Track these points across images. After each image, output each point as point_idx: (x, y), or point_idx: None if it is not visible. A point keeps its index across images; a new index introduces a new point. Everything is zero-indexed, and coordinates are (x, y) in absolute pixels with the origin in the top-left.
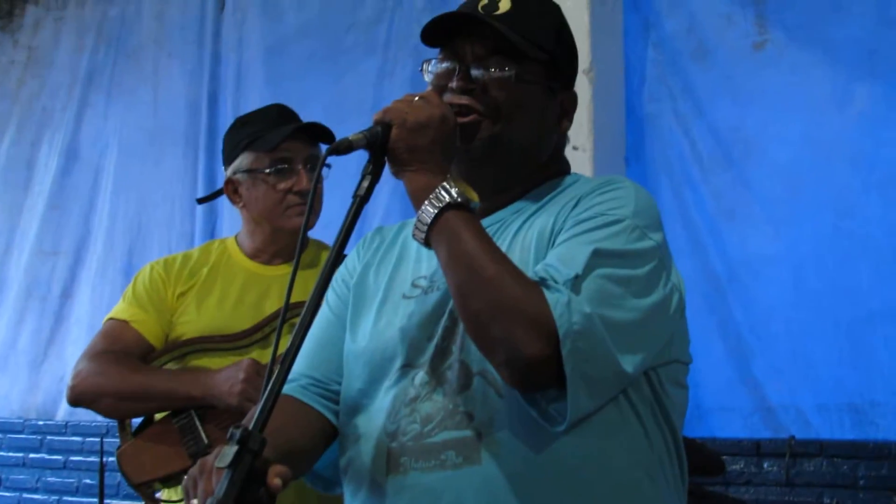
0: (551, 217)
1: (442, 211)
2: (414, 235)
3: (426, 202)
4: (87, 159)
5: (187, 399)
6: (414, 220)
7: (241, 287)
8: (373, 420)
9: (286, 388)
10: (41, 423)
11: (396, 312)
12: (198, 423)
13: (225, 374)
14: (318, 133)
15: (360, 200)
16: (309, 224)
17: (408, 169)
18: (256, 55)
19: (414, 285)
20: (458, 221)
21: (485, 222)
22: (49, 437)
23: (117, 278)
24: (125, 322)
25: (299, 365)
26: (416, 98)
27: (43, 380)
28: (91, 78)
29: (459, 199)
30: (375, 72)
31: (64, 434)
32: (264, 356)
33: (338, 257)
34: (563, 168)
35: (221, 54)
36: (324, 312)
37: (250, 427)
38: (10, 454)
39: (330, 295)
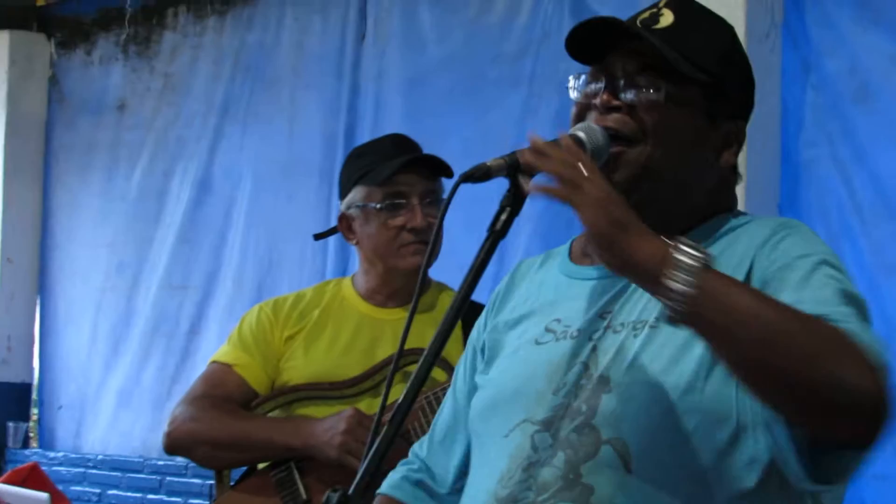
0: (730, 271)
1: (696, 280)
2: (669, 318)
3: (668, 278)
4: (220, 191)
5: (286, 449)
6: (562, 250)
7: (353, 331)
8: (484, 480)
9: (391, 482)
10: (161, 463)
11: (526, 359)
12: (297, 476)
13: (326, 424)
14: (437, 166)
15: (496, 236)
16: (429, 263)
17: (620, 245)
18: (396, 87)
19: (547, 330)
20: (717, 282)
21: None
22: (169, 478)
23: None
24: (228, 366)
25: (423, 447)
26: (554, 158)
27: (166, 418)
28: (227, 107)
29: (703, 255)
30: (519, 107)
31: (184, 476)
32: (374, 406)
33: (465, 300)
34: (729, 205)
35: (360, 86)
36: (451, 395)
37: (350, 491)
38: (129, 494)
39: (459, 376)
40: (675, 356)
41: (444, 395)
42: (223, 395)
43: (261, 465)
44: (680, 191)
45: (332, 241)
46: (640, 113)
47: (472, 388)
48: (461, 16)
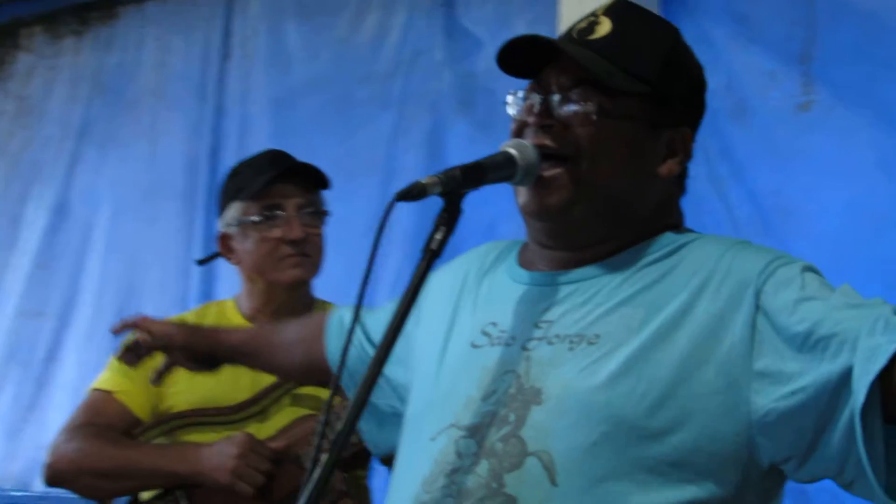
0: (677, 288)
1: None
2: None
3: None
4: (78, 216)
5: (174, 476)
6: (520, 244)
7: None
8: (407, 483)
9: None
10: (17, 493)
11: (459, 362)
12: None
13: (216, 448)
14: (314, 178)
15: (432, 255)
16: (306, 276)
17: None
18: (262, 108)
19: (483, 333)
20: None
21: (571, 276)
22: None
23: (105, 342)
24: (109, 393)
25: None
26: None
27: (22, 448)
28: (84, 130)
29: None
30: (390, 128)
31: None
32: (261, 430)
33: (403, 318)
34: (674, 220)
35: (225, 107)
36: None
37: None
38: None
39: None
40: (611, 375)
41: (336, 417)
42: (105, 423)
43: (146, 495)
44: (619, 207)
45: (195, 266)
46: (574, 129)
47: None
48: (329, 35)
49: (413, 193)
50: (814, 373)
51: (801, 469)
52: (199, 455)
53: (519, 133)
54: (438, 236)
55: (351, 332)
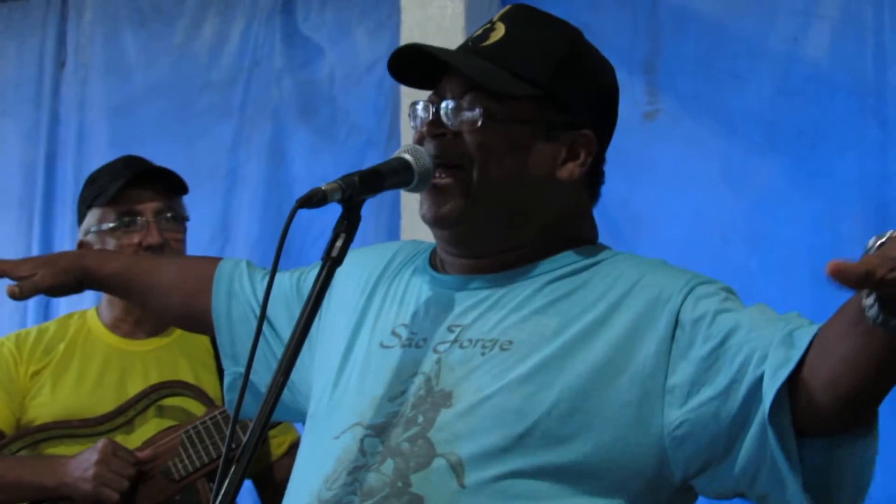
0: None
1: None
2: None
3: None
4: None
5: (39, 489)
6: (434, 246)
7: (102, 365)
8: (308, 480)
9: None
10: None
11: (368, 362)
12: None
13: (79, 458)
14: (172, 183)
15: (333, 262)
16: None
17: None
18: (100, 116)
19: (394, 333)
20: None
21: (485, 282)
22: None
23: None
24: None
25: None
26: None
27: None
28: None
29: None
30: (231, 136)
31: None
32: (127, 442)
33: (307, 327)
34: (588, 234)
35: (61, 114)
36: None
37: None
38: None
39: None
40: (523, 381)
41: (203, 428)
42: None
43: None
44: (516, 214)
45: None
46: (464, 136)
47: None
48: (167, 43)
49: (313, 200)
50: (727, 382)
51: (714, 483)
52: (65, 467)
53: (420, 143)
54: (339, 243)
55: (259, 328)
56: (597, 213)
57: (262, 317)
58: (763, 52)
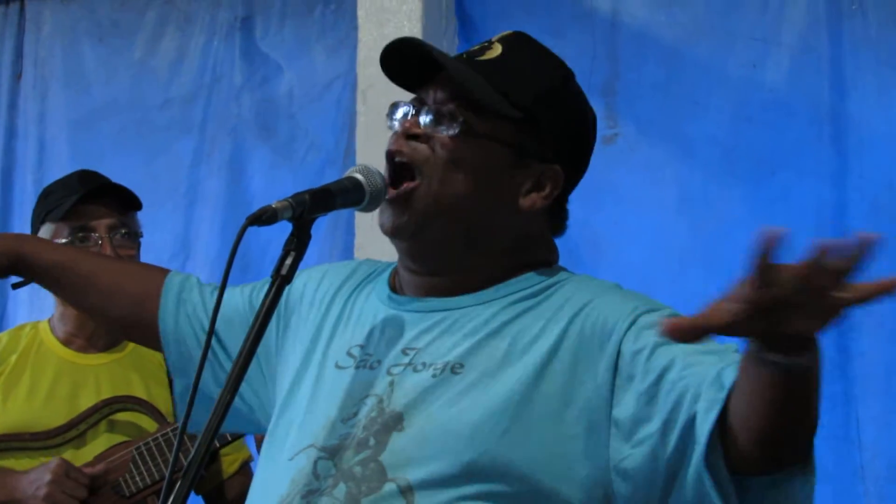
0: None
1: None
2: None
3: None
4: None
5: None
6: (393, 267)
7: (54, 378)
8: (264, 502)
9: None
10: None
11: (322, 383)
12: None
13: (31, 476)
14: (125, 199)
15: (282, 280)
16: None
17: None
18: (60, 130)
19: (349, 354)
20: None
21: (441, 304)
22: None
23: None
24: None
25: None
26: None
27: None
28: None
29: None
30: (191, 152)
31: None
32: (78, 456)
33: (256, 343)
34: (546, 257)
35: (18, 128)
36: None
37: None
38: None
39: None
40: (473, 405)
41: (155, 445)
42: None
43: None
44: (473, 232)
45: None
46: (436, 143)
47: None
48: (126, 57)
49: (263, 218)
50: (662, 422)
51: None
52: (15, 483)
53: (394, 143)
54: (289, 261)
55: (208, 341)
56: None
57: (212, 329)
58: (722, 79)
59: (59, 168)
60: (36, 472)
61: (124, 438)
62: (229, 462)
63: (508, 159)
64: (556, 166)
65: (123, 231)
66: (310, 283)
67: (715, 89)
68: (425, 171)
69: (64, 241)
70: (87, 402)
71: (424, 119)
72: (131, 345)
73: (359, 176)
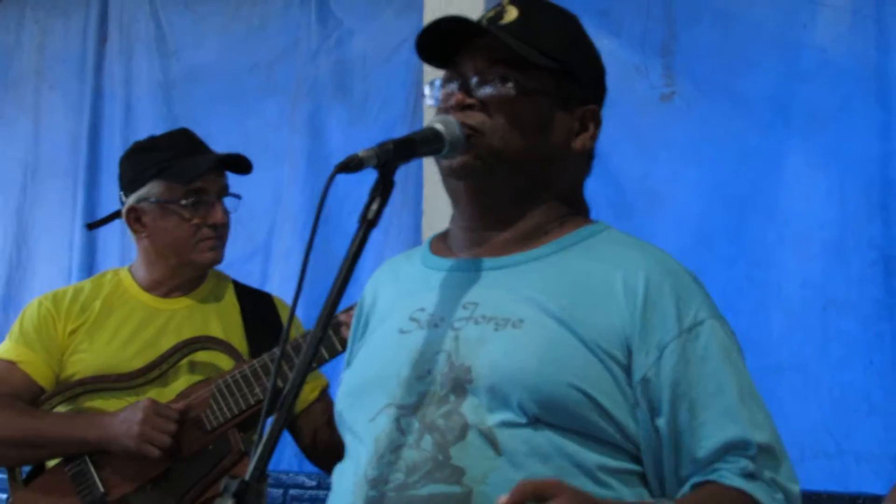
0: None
1: None
2: None
3: None
4: None
5: (81, 444)
6: (422, 248)
7: (138, 322)
8: (352, 462)
9: None
10: None
11: (387, 347)
12: (92, 469)
13: (121, 416)
14: (238, 165)
15: (368, 224)
16: (220, 259)
17: None
18: (146, 92)
19: (411, 319)
20: None
21: (494, 263)
22: None
23: None
24: (12, 363)
25: None
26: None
27: None
28: None
29: None
30: (276, 114)
31: None
32: (162, 395)
33: (343, 286)
34: (585, 208)
35: (105, 89)
36: None
37: (247, 478)
38: None
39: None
40: (534, 357)
41: (233, 381)
42: (9, 392)
43: (51, 462)
44: (536, 179)
45: (77, 238)
46: (492, 105)
47: None
48: (211, 23)
49: (351, 166)
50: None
51: None
52: (107, 422)
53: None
54: (374, 206)
55: (291, 316)
56: (611, 187)
57: (303, 273)
58: (774, 38)
59: (146, 127)
60: (126, 412)
61: (203, 377)
62: (309, 389)
63: (557, 108)
64: (592, 106)
65: (228, 194)
66: (368, 304)
67: (768, 48)
68: (487, 130)
69: (180, 202)
70: (167, 343)
71: (476, 88)
72: (208, 288)
73: (439, 126)
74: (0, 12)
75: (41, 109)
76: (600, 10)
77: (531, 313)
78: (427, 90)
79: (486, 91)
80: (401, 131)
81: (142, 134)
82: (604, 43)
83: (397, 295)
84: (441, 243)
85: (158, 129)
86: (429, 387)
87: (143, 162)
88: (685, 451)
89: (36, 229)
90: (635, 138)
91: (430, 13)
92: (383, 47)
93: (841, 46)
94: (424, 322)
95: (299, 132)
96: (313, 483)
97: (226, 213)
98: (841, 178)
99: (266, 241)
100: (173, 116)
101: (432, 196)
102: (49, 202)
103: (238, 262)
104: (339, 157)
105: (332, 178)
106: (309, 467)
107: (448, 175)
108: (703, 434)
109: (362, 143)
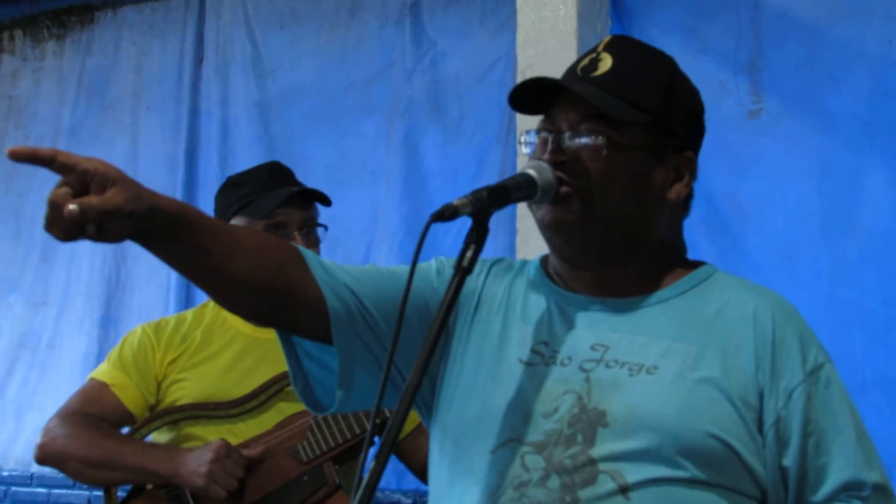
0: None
1: None
2: None
3: None
4: None
5: (154, 476)
6: (534, 268)
7: (237, 351)
8: (469, 492)
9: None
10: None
11: (512, 377)
12: (188, 494)
13: (195, 453)
14: (313, 195)
15: (464, 272)
16: None
17: None
18: (242, 112)
19: (534, 351)
20: None
21: (619, 305)
22: (14, 489)
23: (94, 330)
24: (105, 385)
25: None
26: None
27: (25, 429)
28: (74, 129)
29: None
30: (373, 133)
31: (29, 485)
32: (258, 425)
33: (439, 332)
34: (684, 250)
35: (201, 108)
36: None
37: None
38: None
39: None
40: (672, 404)
41: (331, 415)
42: (97, 413)
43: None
44: (631, 232)
45: None
46: (585, 162)
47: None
48: (306, 43)
49: (445, 215)
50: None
51: None
52: (182, 459)
53: None
54: (469, 254)
55: (400, 318)
56: (704, 204)
57: (402, 312)
58: (860, 55)
59: (244, 147)
60: (199, 450)
61: (300, 409)
62: (411, 419)
63: (651, 161)
64: (687, 153)
65: (309, 227)
66: (493, 274)
67: (854, 65)
68: (579, 188)
69: None
70: (266, 374)
71: (567, 142)
72: None
73: (532, 172)
74: (97, 34)
75: (139, 130)
76: (688, 28)
77: (664, 360)
78: (522, 138)
79: (579, 145)
80: (495, 150)
81: (239, 153)
82: (690, 60)
83: (512, 314)
84: (555, 270)
85: (255, 149)
86: (556, 426)
87: (227, 199)
88: (808, 488)
89: (135, 249)
90: (724, 154)
91: (524, 33)
92: (477, 67)
93: None
94: (549, 358)
95: (395, 152)
96: (409, 501)
97: (309, 243)
98: None
99: (363, 260)
100: (269, 136)
101: (525, 215)
102: None
103: None
104: (434, 176)
105: (427, 227)
106: (406, 485)
107: (542, 228)
108: (826, 474)
109: (456, 163)
